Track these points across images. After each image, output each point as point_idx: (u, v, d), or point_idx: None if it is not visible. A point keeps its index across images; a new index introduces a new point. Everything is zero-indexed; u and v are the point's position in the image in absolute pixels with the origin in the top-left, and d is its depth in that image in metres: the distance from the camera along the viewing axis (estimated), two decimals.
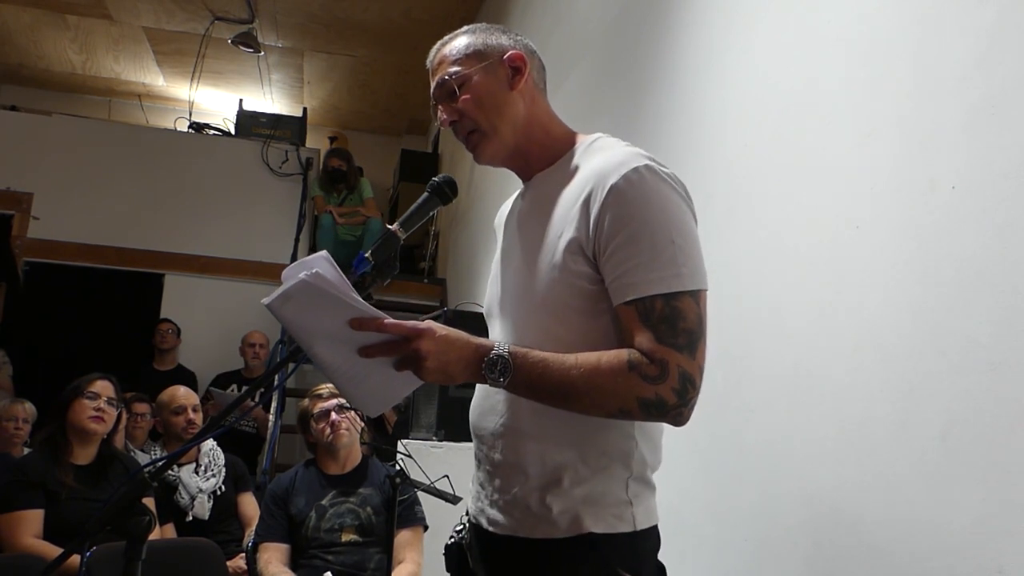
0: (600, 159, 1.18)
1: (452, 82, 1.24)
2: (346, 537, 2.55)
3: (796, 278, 1.63)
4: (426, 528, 2.64)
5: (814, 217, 1.59)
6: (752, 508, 1.70)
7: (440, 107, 1.28)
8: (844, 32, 1.57)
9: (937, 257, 1.26)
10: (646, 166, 1.14)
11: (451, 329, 1.11)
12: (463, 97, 1.24)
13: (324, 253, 1.09)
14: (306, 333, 1.08)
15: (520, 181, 1.36)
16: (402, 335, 1.08)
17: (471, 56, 1.26)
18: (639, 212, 1.11)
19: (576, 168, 1.22)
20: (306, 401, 2.77)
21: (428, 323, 1.10)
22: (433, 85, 1.28)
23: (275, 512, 2.62)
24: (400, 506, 2.51)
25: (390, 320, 1.08)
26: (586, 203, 1.15)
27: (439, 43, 1.31)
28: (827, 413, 1.48)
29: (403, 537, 2.55)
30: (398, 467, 2.36)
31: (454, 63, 1.26)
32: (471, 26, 1.32)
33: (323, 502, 2.60)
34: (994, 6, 1.21)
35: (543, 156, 1.29)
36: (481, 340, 1.14)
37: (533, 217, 1.26)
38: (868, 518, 1.34)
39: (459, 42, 1.28)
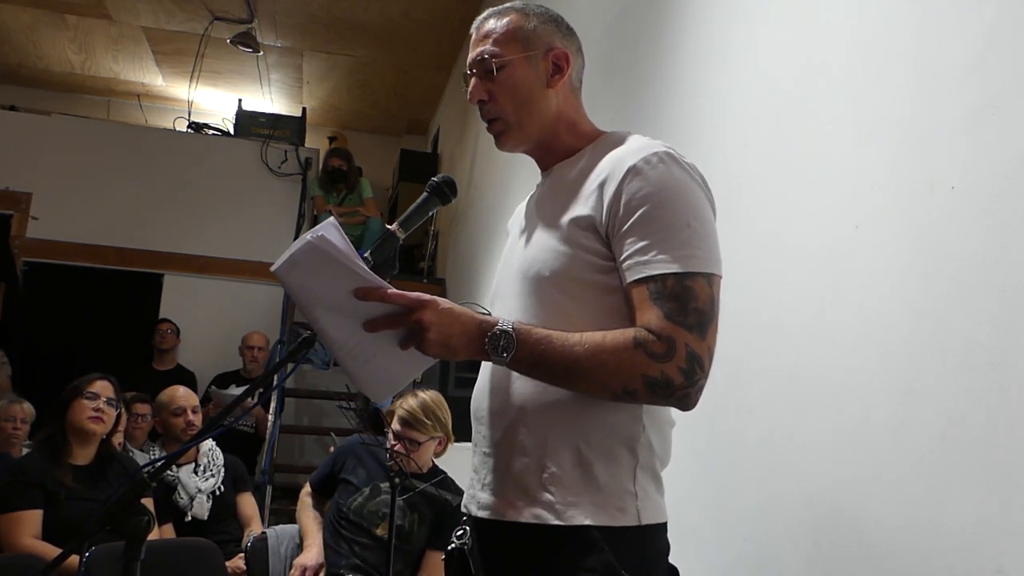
0: (621, 148, 1.19)
1: (491, 62, 1.24)
2: (380, 531, 2.48)
3: (796, 278, 1.63)
4: None
5: (814, 217, 1.59)
6: (752, 508, 1.69)
7: (473, 80, 1.27)
8: (844, 32, 1.57)
9: (937, 257, 1.26)
10: (666, 152, 1.15)
11: (456, 304, 1.11)
12: (498, 82, 1.24)
13: (332, 220, 1.09)
14: (312, 303, 1.08)
15: (535, 173, 1.37)
16: (405, 306, 1.07)
17: (518, 40, 1.25)
18: (657, 193, 1.11)
19: (596, 156, 1.22)
20: (396, 403, 2.62)
21: (432, 296, 1.09)
22: (472, 54, 1.27)
23: (331, 466, 2.67)
24: (443, 527, 2.48)
25: (394, 290, 1.07)
26: (603, 184, 1.15)
27: (490, 11, 1.29)
28: (827, 413, 1.48)
29: (436, 559, 2.49)
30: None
31: (497, 42, 1.25)
32: (524, 4, 1.29)
33: (381, 485, 2.54)
34: (993, 6, 1.21)
35: (565, 149, 1.29)
36: (485, 316, 1.13)
37: (549, 200, 1.26)
38: (868, 518, 1.34)
39: (509, 20, 1.26)
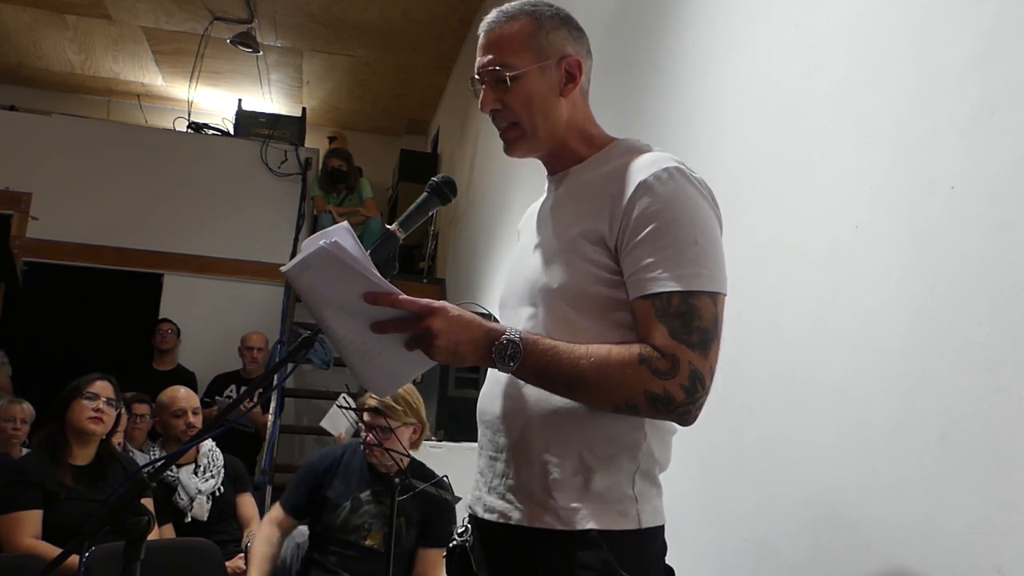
0: (632, 159, 1.19)
1: (504, 72, 1.21)
2: (370, 541, 2.44)
3: (796, 278, 1.63)
4: None
5: (814, 217, 1.59)
6: (752, 509, 1.70)
7: (484, 88, 1.24)
8: (844, 32, 1.57)
9: (937, 257, 1.26)
10: (676, 168, 1.15)
11: (464, 311, 1.12)
12: (512, 93, 1.22)
13: (345, 224, 1.09)
14: (320, 303, 1.09)
15: (535, 174, 1.37)
16: (415, 312, 1.08)
17: (531, 49, 1.22)
18: (665, 210, 1.11)
19: (608, 166, 1.22)
20: (367, 395, 2.56)
21: (442, 303, 1.10)
22: (483, 60, 1.24)
23: (301, 486, 2.55)
24: (432, 523, 2.46)
25: (404, 296, 1.08)
26: (614, 198, 1.15)
27: (498, 13, 1.25)
28: (826, 414, 1.48)
29: (430, 556, 2.46)
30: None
31: (511, 51, 1.22)
32: (534, 5, 1.26)
33: (361, 495, 2.49)
34: (993, 6, 1.21)
35: (574, 156, 1.28)
36: (493, 324, 1.14)
37: (560, 211, 1.26)
38: (867, 519, 1.34)
39: (521, 26, 1.23)
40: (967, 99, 1.23)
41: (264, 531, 2.54)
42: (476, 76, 1.26)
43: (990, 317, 1.14)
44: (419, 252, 6.82)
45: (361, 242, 1.08)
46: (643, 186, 1.13)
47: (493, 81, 1.23)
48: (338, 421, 3.31)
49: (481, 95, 1.25)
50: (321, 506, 2.50)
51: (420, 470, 2.46)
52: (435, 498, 2.21)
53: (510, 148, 1.28)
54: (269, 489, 4.37)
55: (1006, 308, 1.12)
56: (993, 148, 1.17)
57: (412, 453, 2.49)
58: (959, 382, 1.18)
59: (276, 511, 2.58)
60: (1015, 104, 1.15)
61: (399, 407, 2.46)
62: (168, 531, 2.97)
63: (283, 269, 1.08)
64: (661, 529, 1.18)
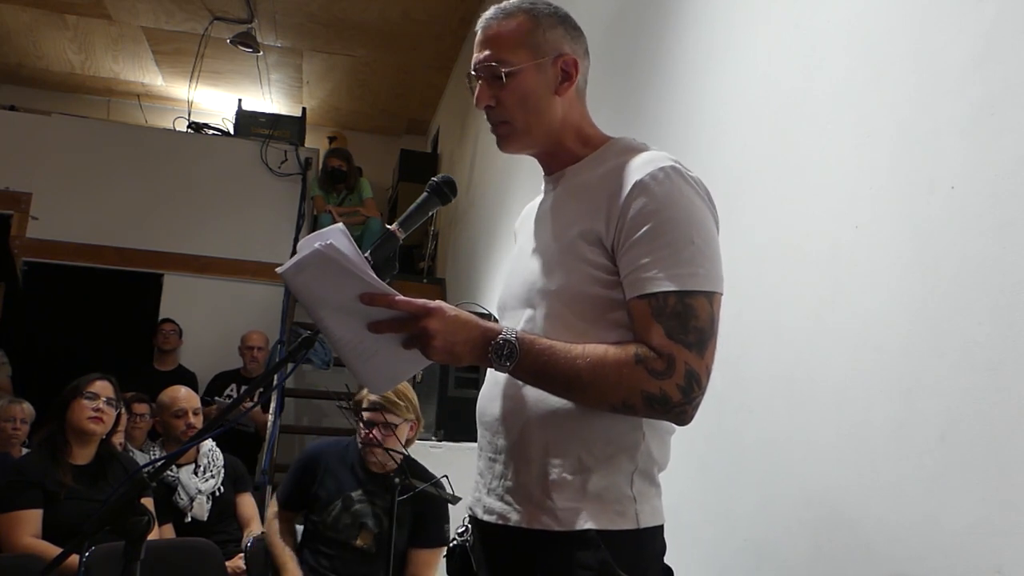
0: (628, 159, 1.19)
1: (500, 69, 1.21)
2: (361, 541, 2.43)
3: (796, 278, 1.63)
4: None
5: (814, 217, 1.59)
6: (751, 509, 1.70)
7: (480, 85, 1.25)
8: (844, 32, 1.57)
9: (937, 257, 1.26)
10: (672, 167, 1.15)
11: (461, 311, 1.12)
12: (507, 90, 1.22)
13: (340, 226, 1.09)
14: (317, 304, 1.09)
15: (535, 174, 1.36)
16: (411, 312, 1.08)
17: (527, 47, 1.22)
18: (661, 209, 1.11)
19: (604, 166, 1.22)
20: (363, 391, 2.53)
21: (438, 303, 1.10)
22: (480, 56, 1.24)
23: (294, 480, 2.55)
24: (425, 522, 2.44)
25: (401, 297, 1.08)
26: (610, 198, 1.15)
27: (496, 10, 1.25)
28: (826, 414, 1.48)
29: (422, 556, 2.45)
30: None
31: (507, 48, 1.22)
32: (532, 3, 1.26)
33: (353, 494, 2.47)
34: (993, 6, 1.21)
35: (570, 155, 1.28)
36: (490, 324, 1.14)
37: (556, 211, 1.26)
38: (867, 518, 1.34)
39: (519, 23, 1.23)
40: (967, 99, 1.24)
41: (276, 526, 2.56)
42: (473, 72, 1.26)
43: (990, 317, 1.14)
44: (419, 252, 6.82)
45: (361, 242, 1.09)
46: (639, 186, 1.13)
47: (489, 77, 1.23)
48: None
49: (476, 91, 1.25)
50: (312, 503, 2.50)
51: (416, 469, 2.45)
52: (427, 497, 2.20)
53: (502, 144, 1.28)
54: (269, 489, 4.36)
55: (1006, 308, 1.12)
56: (993, 148, 1.18)
57: (407, 450, 2.47)
58: (959, 382, 1.18)
59: (275, 506, 2.61)
60: (1015, 104, 1.15)
61: (402, 403, 2.45)
62: (168, 531, 2.97)
63: (279, 270, 1.08)
64: (660, 529, 1.18)
